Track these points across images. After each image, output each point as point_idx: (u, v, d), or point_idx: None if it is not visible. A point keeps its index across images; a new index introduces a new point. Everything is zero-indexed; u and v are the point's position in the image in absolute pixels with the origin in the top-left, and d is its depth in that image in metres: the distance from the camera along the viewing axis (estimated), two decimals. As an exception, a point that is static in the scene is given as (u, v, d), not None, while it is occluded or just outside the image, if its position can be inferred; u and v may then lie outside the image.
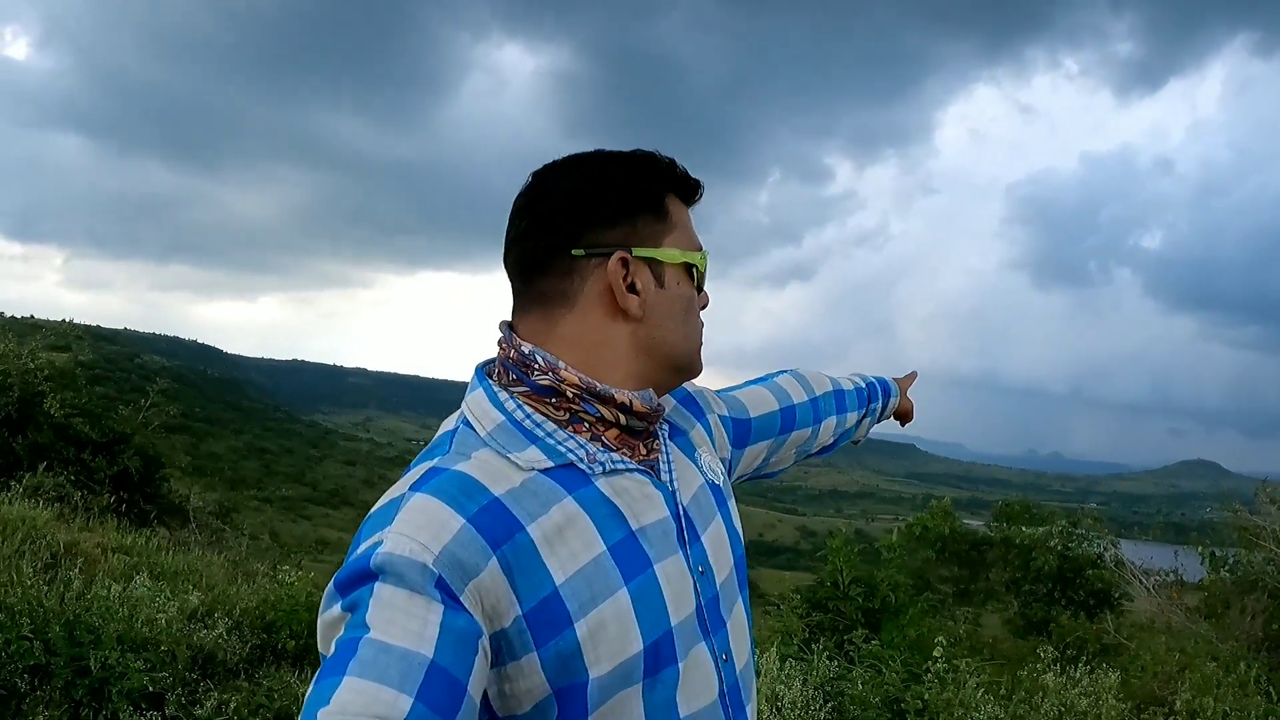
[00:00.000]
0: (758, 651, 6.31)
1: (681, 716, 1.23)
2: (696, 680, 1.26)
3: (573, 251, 1.27)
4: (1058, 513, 20.69)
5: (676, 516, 1.31)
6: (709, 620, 1.30)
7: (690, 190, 1.39)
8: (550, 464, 1.21)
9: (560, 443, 1.24)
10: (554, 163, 1.34)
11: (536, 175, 1.33)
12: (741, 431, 1.67)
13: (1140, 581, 12.65)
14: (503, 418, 1.24)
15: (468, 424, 1.26)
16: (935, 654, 5.72)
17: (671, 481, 1.34)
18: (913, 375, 2.19)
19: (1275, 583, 9.10)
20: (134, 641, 5.02)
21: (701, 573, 1.31)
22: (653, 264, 1.30)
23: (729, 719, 1.31)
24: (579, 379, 1.25)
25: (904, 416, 2.15)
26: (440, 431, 1.29)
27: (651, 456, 1.34)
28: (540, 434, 1.24)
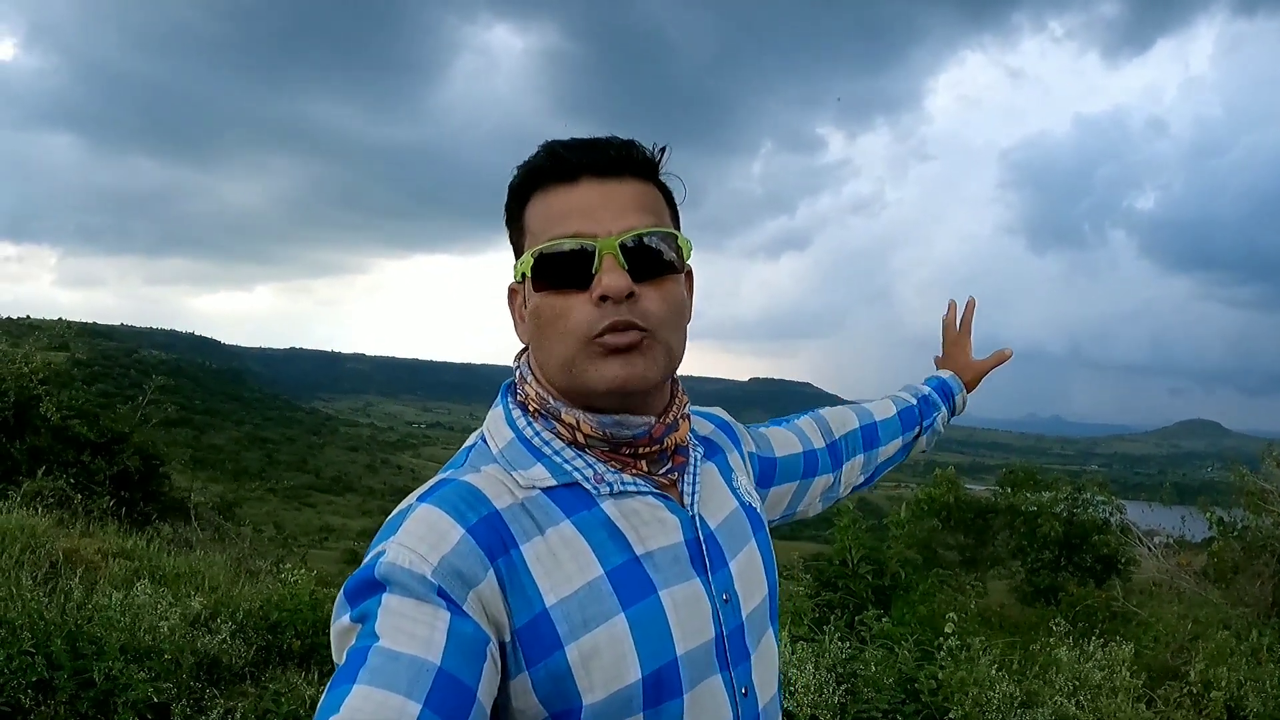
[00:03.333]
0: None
1: None
2: (705, 715, 1.20)
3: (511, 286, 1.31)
4: (1062, 479, 20.69)
5: (695, 541, 1.26)
6: (730, 651, 1.25)
7: (563, 167, 1.22)
8: (554, 482, 1.20)
9: (568, 461, 1.22)
10: None
11: None
12: (767, 470, 1.62)
13: (1148, 547, 12.62)
14: (513, 435, 1.25)
15: (484, 440, 1.27)
16: (947, 630, 5.68)
17: (693, 505, 1.29)
18: (1002, 355, 2.10)
19: (1283, 548, 9.04)
20: (137, 651, 4.97)
21: (725, 600, 1.26)
22: (525, 280, 1.25)
23: None
24: (536, 393, 1.25)
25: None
26: (463, 446, 1.29)
27: (670, 477, 1.30)
28: (548, 452, 1.22)
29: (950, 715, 5.01)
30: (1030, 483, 20.25)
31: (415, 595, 1.03)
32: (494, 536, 1.11)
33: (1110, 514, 16.95)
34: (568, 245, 1.18)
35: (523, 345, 1.33)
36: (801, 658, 5.47)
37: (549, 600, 1.11)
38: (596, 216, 1.19)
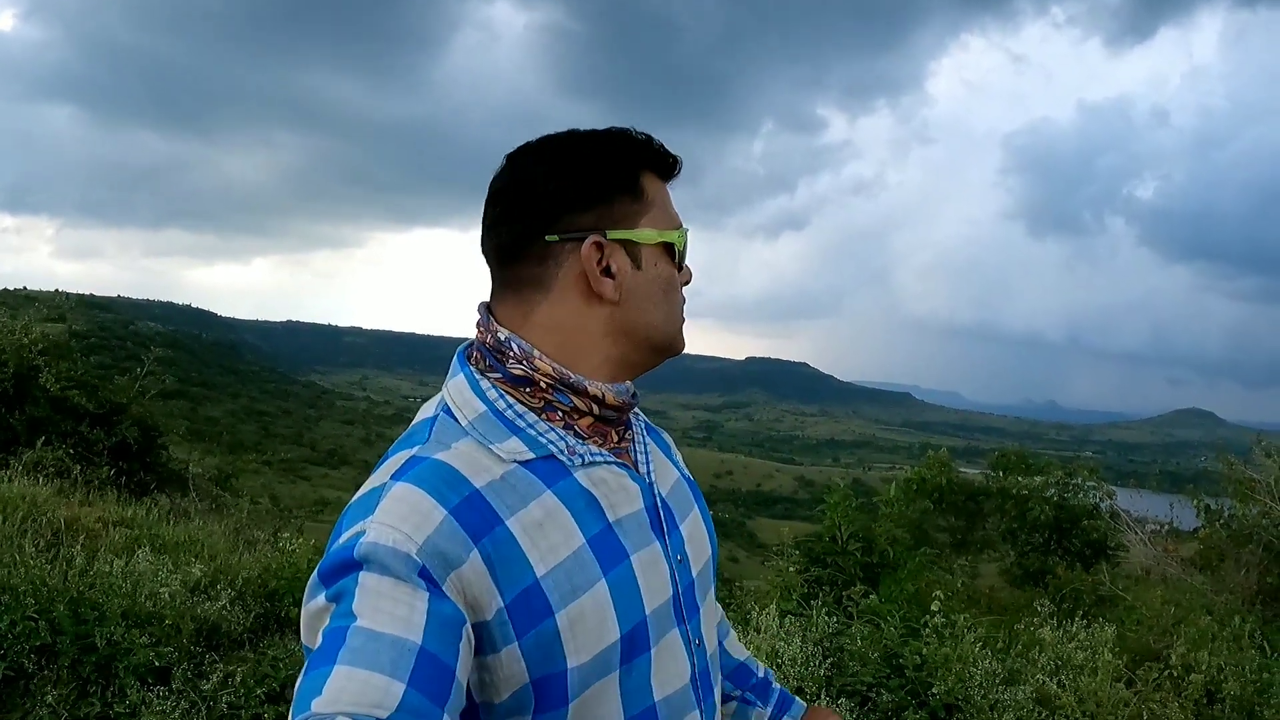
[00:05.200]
0: (759, 606, 6.38)
1: (655, 700, 1.26)
2: (669, 664, 1.29)
3: (546, 237, 1.27)
4: (1054, 463, 20.72)
5: (653, 508, 1.34)
6: (685, 607, 1.34)
7: (668, 166, 1.36)
8: (531, 455, 1.22)
9: (541, 434, 1.25)
10: (527, 145, 1.33)
11: (510, 158, 1.32)
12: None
13: (1136, 533, 12.72)
14: (484, 407, 1.25)
15: (448, 411, 1.26)
16: (933, 608, 5.77)
17: (649, 474, 1.37)
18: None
19: (1270, 536, 9.14)
20: (138, 617, 5.05)
21: (679, 561, 1.35)
22: (629, 246, 1.30)
23: (698, 701, 1.34)
24: (553, 369, 1.26)
25: None
26: (419, 418, 1.30)
27: (623, 445, 1.37)
28: (522, 424, 1.24)
29: (933, 690, 5.10)
30: (1022, 466, 20.29)
31: (395, 575, 1.03)
32: (476, 517, 1.12)
33: (1101, 499, 17.00)
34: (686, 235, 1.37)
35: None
36: (790, 631, 5.58)
37: (539, 571, 1.14)
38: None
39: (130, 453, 11.88)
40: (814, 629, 5.69)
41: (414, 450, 1.19)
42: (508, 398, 1.26)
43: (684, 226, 1.37)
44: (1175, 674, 5.65)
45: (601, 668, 1.18)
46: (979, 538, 21.19)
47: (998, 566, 18.81)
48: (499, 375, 1.27)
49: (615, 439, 1.35)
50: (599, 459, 1.28)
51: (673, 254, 1.35)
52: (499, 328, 1.29)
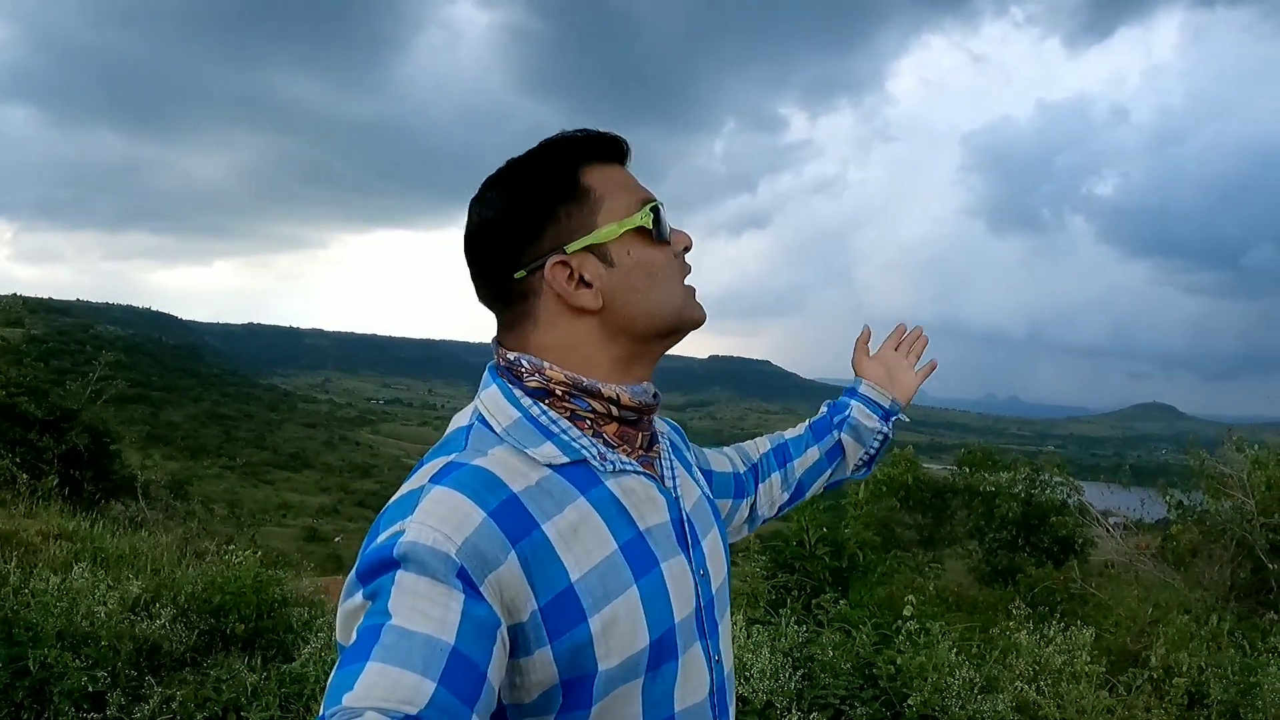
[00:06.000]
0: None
1: (676, 712, 1.27)
2: (693, 677, 1.30)
3: (515, 276, 1.29)
4: (1020, 459, 20.90)
5: (679, 521, 1.35)
6: (705, 622, 1.35)
7: (613, 149, 1.36)
8: (566, 460, 1.24)
9: (574, 439, 1.27)
10: (478, 191, 1.34)
11: (470, 209, 1.34)
12: (708, 482, 1.66)
13: (1107, 530, 12.70)
14: (519, 414, 1.27)
15: (483, 420, 1.28)
16: (905, 613, 5.65)
17: (675, 488, 1.39)
18: (930, 367, 2.06)
19: (1243, 531, 9.09)
20: (74, 637, 4.81)
21: (702, 575, 1.37)
22: (595, 249, 1.30)
23: (715, 718, 1.36)
24: (565, 376, 1.28)
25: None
26: (453, 427, 1.32)
27: (651, 455, 1.38)
28: (556, 430, 1.27)
29: (909, 701, 4.95)
30: (989, 463, 20.44)
31: (432, 575, 1.04)
32: (513, 520, 1.14)
33: (1068, 495, 17.07)
34: (658, 204, 1.34)
35: (578, 312, 1.32)
36: (758, 641, 5.39)
37: (574, 575, 1.16)
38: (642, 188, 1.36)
39: (81, 460, 11.61)
40: (783, 639, 5.51)
41: (452, 456, 1.21)
42: (540, 404, 1.29)
43: (653, 201, 1.34)
44: (1156, 677, 5.56)
45: (628, 672, 1.20)
46: (945, 535, 21.29)
47: (965, 564, 18.88)
48: (522, 390, 1.31)
49: (642, 449, 1.36)
50: (629, 468, 1.30)
51: (648, 234, 1.33)
52: (507, 351, 1.33)
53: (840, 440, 1.90)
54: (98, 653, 4.74)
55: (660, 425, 1.54)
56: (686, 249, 1.38)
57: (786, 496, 1.87)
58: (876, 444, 1.93)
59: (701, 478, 1.55)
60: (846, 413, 1.92)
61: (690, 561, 1.34)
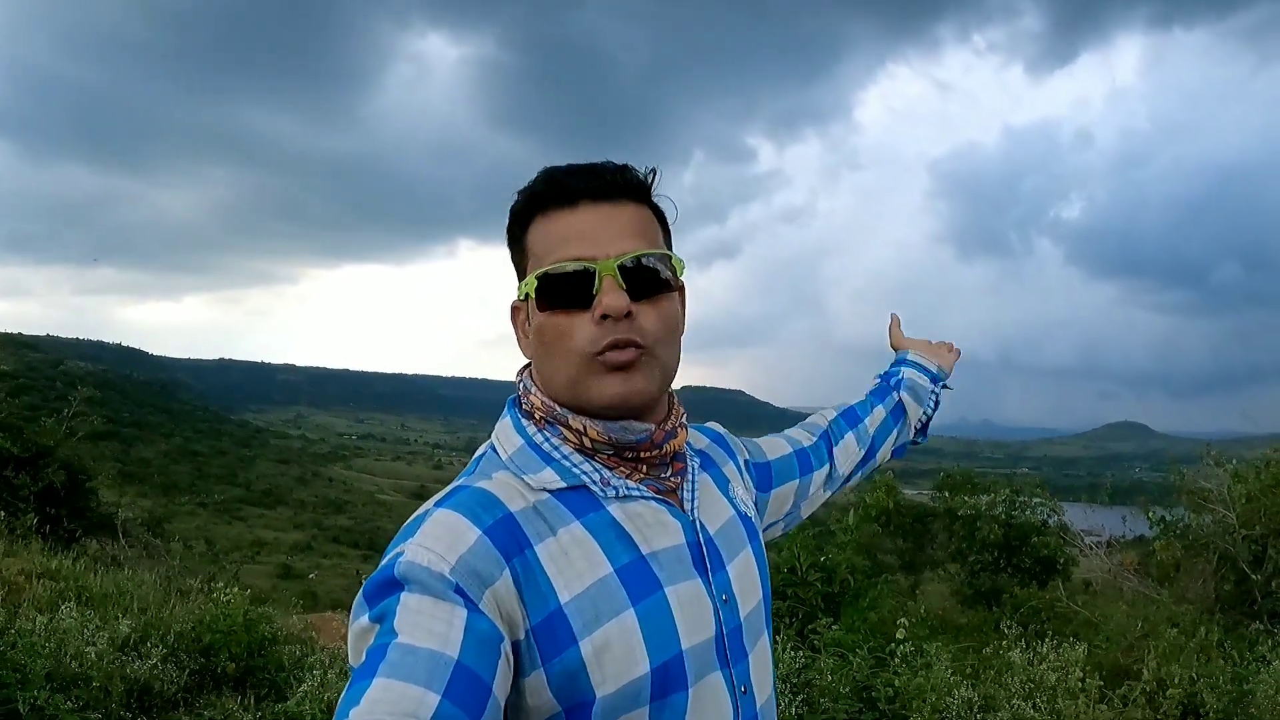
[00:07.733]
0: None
1: None
2: (709, 709, 1.26)
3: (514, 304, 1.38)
4: (999, 482, 20.99)
5: (696, 544, 1.33)
6: (730, 650, 1.31)
7: (563, 192, 1.30)
8: (563, 484, 1.26)
9: (575, 465, 1.28)
10: None
11: None
12: (764, 475, 1.69)
13: (1089, 547, 12.76)
14: (522, 441, 1.31)
15: (494, 449, 1.33)
16: (899, 635, 5.65)
17: (693, 511, 1.36)
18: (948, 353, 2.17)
19: (1225, 544, 9.16)
20: (64, 678, 4.74)
21: (725, 601, 1.33)
22: (528, 300, 1.32)
23: None
24: (542, 402, 1.31)
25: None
26: (474, 456, 1.35)
27: (669, 479, 1.36)
28: (556, 456, 1.28)
29: (909, 723, 4.95)
30: (968, 486, 20.52)
31: (433, 593, 1.07)
32: (509, 537, 1.16)
33: (1049, 515, 17.17)
34: (570, 267, 1.26)
35: (526, 361, 1.40)
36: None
37: (563, 597, 1.16)
38: (596, 239, 1.27)
39: (58, 498, 11.45)
40: (780, 665, 5.50)
41: (460, 481, 1.27)
42: (544, 433, 1.31)
43: (552, 267, 1.27)
44: (1149, 690, 5.59)
45: (629, 701, 1.17)
46: (926, 558, 21.33)
47: (948, 586, 18.91)
48: (529, 418, 1.34)
49: (651, 473, 1.34)
50: (635, 493, 1.29)
51: (551, 296, 1.28)
52: (523, 374, 1.38)
53: (901, 399, 1.99)
54: (89, 694, 4.67)
55: (700, 439, 1.55)
56: (605, 316, 1.24)
57: (862, 453, 1.91)
58: (932, 404, 2.04)
59: (743, 496, 1.52)
60: (901, 375, 2.03)
61: (710, 586, 1.31)
